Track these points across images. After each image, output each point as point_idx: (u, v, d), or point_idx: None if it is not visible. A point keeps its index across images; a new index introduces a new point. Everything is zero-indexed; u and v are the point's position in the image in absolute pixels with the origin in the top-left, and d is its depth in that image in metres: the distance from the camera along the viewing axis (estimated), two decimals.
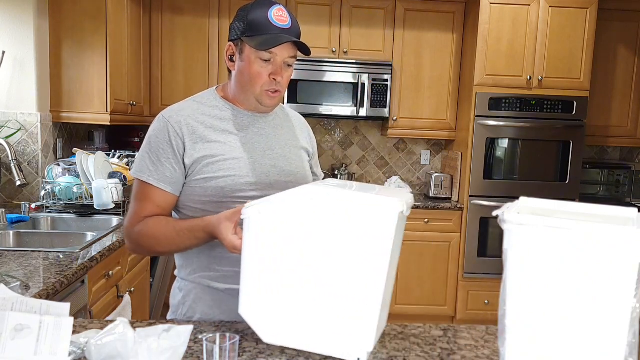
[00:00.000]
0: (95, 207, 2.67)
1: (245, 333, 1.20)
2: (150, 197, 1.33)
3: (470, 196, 3.79)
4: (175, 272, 1.47)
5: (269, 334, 1.09)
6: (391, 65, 3.88)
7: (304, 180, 1.43)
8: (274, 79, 1.32)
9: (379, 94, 3.87)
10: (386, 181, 4.30)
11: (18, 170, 2.40)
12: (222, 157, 1.32)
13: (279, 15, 1.29)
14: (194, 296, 1.39)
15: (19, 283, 1.61)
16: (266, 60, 1.30)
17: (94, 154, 2.82)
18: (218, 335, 0.97)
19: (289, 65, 1.34)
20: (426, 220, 3.80)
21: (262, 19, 1.28)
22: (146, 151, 1.34)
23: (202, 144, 1.32)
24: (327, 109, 3.80)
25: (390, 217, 0.99)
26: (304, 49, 1.33)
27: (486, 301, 3.86)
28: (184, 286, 1.42)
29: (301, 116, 1.58)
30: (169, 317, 1.46)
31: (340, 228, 1.01)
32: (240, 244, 1.12)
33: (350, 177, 4.23)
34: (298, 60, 1.45)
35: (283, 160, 1.41)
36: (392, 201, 0.99)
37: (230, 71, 1.39)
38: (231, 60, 1.37)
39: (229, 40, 1.36)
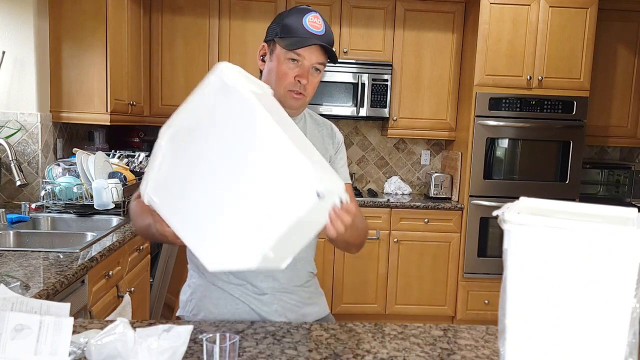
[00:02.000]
0: (95, 207, 2.67)
1: (246, 333, 1.21)
2: None
3: (470, 196, 3.79)
4: (188, 265, 1.52)
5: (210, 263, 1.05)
6: (391, 65, 3.88)
7: None
8: (298, 80, 1.34)
9: (379, 94, 3.87)
10: (386, 181, 4.30)
11: (18, 170, 2.39)
12: None
13: (313, 22, 1.33)
14: (200, 294, 1.43)
15: (19, 283, 1.61)
16: (294, 61, 1.34)
17: (94, 154, 2.82)
18: (218, 335, 0.97)
19: (317, 71, 1.37)
20: (426, 220, 3.80)
21: (296, 23, 1.33)
22: None
23: None
24: (327, 108, 3.81)
25: (309, 199, 0.98)
26: (332, 57, 1.36)
27: (486, 301, 3.86)
28: (192, 283, 1.47)
29: (327, 120, 1.59)
30: (178, 313, 1.50)
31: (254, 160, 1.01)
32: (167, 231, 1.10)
33: (350, 177, 4.22)
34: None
35: None
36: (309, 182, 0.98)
37: (261, 72, 1.43)
38: (262, 60, 1.41)
39: (263, 42, 1.41)
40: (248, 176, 1.02)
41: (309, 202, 0.98)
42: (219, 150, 1.05)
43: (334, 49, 1.37)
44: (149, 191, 1.11)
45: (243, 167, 1.02)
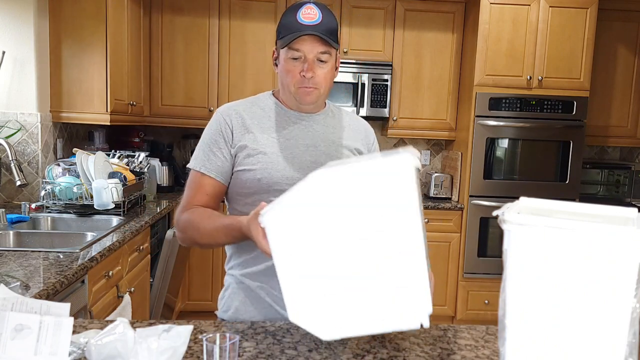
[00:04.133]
0: (95, 207, 2.67)
1: (245, 333, 1.21)
2: (200, 186, 1.39)
3: (470, 196, 3.79)
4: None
5: (326, 331, 1.02)
6: (391, 65, 3.88)
7: None
8: (303, 75, 1.34)
9: (379, 94, 3.87)
10: None
11: (18, 170, 2.39)
12: (260, 150, 1.37)
13: (306, 13, 1.33)
14: (230, 292, 1.45)
15: (19, 283, 1.61)
16: (296, 58, 1.34)
17: (94, 154, 2.82)
18: (218, 335, 0.97)
19: (323, 61, 1.35)
20: (426, 220, 3.80)
21: (290, 19, 1.33)
22: (200, 143, 1.43)
23: (247, 134, 1.39)
24: None
25: (408, 169, 0.93)
26: (330, 43, 1.34)
27: (486, 301, 3.86)
28: (225, 280, 1.49)
29: (361, 119, 1.58)
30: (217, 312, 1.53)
31: (360, 202, 0.94)
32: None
33: None
34: None
35: (325, 157, 1.41)
36: (404, 156, 0.94)
37: None
38: (276, 64, 1.42)
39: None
40: (372, 259, 0.98)
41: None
42: (355, 223, 0.98)
43: (332, 35, 1.35)
44: (272, 216, 1.00)
45: (371, 251, 0.98)
